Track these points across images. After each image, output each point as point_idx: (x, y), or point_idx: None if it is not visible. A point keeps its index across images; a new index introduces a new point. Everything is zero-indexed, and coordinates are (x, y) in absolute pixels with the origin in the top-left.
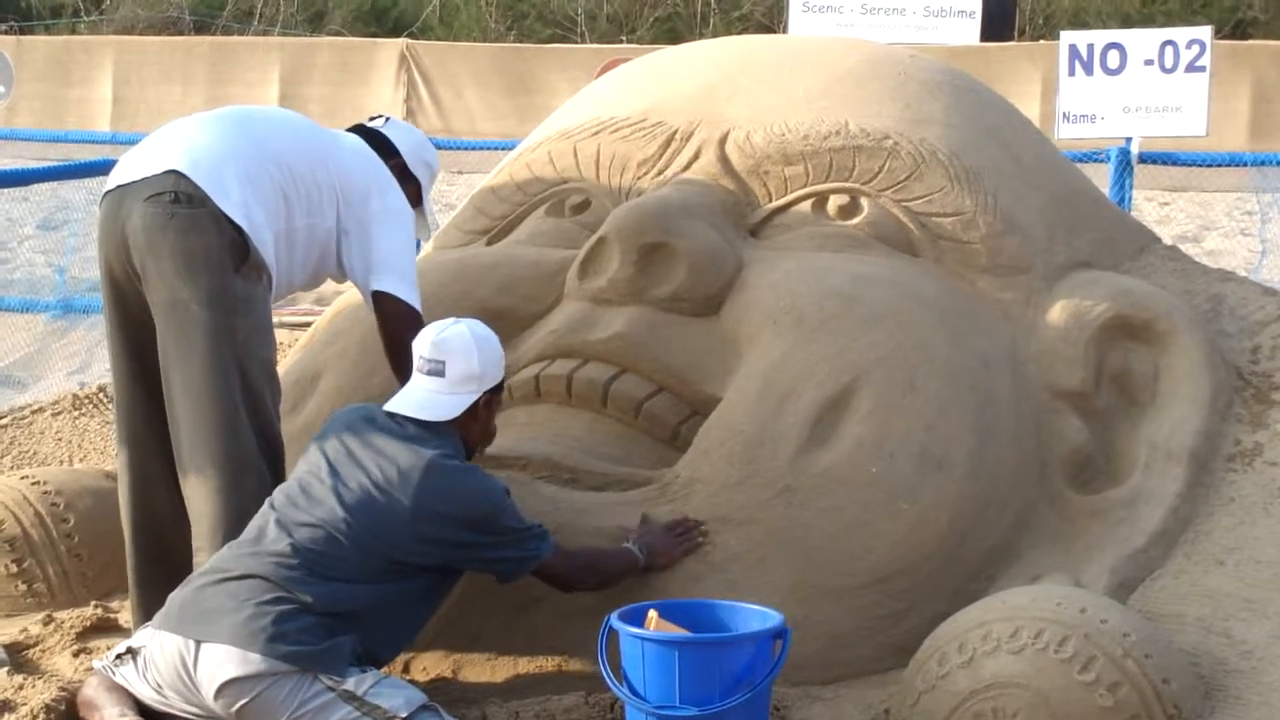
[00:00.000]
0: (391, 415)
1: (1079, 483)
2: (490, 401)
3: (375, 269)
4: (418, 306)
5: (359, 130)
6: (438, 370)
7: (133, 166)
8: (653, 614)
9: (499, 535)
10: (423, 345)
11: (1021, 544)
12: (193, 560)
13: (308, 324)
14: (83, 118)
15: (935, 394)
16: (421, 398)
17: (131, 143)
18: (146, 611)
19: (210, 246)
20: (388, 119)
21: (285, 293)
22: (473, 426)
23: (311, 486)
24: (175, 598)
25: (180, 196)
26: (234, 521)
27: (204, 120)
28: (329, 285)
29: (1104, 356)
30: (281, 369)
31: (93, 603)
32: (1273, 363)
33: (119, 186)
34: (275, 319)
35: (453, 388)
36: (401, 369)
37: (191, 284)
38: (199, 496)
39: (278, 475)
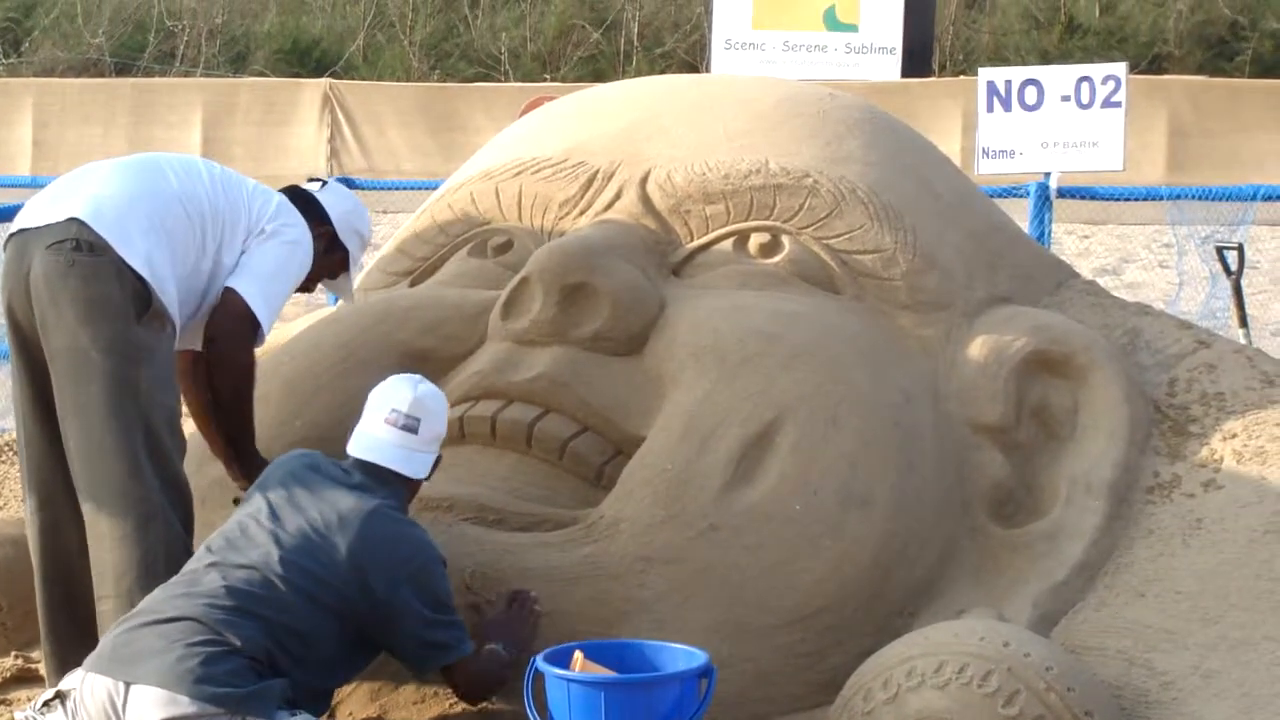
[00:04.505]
0: (337, 463)
1: (1000, 517)
2: (439, 461)
3: (238, 272)
4: (261, 319)
5: (292, 191)
6: (411, 427)
7: (37, 211)
8: (578, 655)
9: (428, 603)
10: (400, 399)
11: (944, 579)
12: (97, 610)
13: None
14: (3, 160)
15: (857, 430)
16: (393, 450)
17: None
18: (59, 659)
19: (111, 295)
20: (324, 183)
21: (190, 341)
22: (420, 485)
23: (249, 529)
24: (106, 640)
25: (81, 244)
26: (141, 570)
27: (111, 167)
28: None
29: (1024, 391)
30: None
31: (13, 653)
32: (1189, 395)
33: (22, 231)
34: None
35: (424, 445)
36: (216, 368)
37: (92, 331)
38: (103, 546)
39: (186, 522)
